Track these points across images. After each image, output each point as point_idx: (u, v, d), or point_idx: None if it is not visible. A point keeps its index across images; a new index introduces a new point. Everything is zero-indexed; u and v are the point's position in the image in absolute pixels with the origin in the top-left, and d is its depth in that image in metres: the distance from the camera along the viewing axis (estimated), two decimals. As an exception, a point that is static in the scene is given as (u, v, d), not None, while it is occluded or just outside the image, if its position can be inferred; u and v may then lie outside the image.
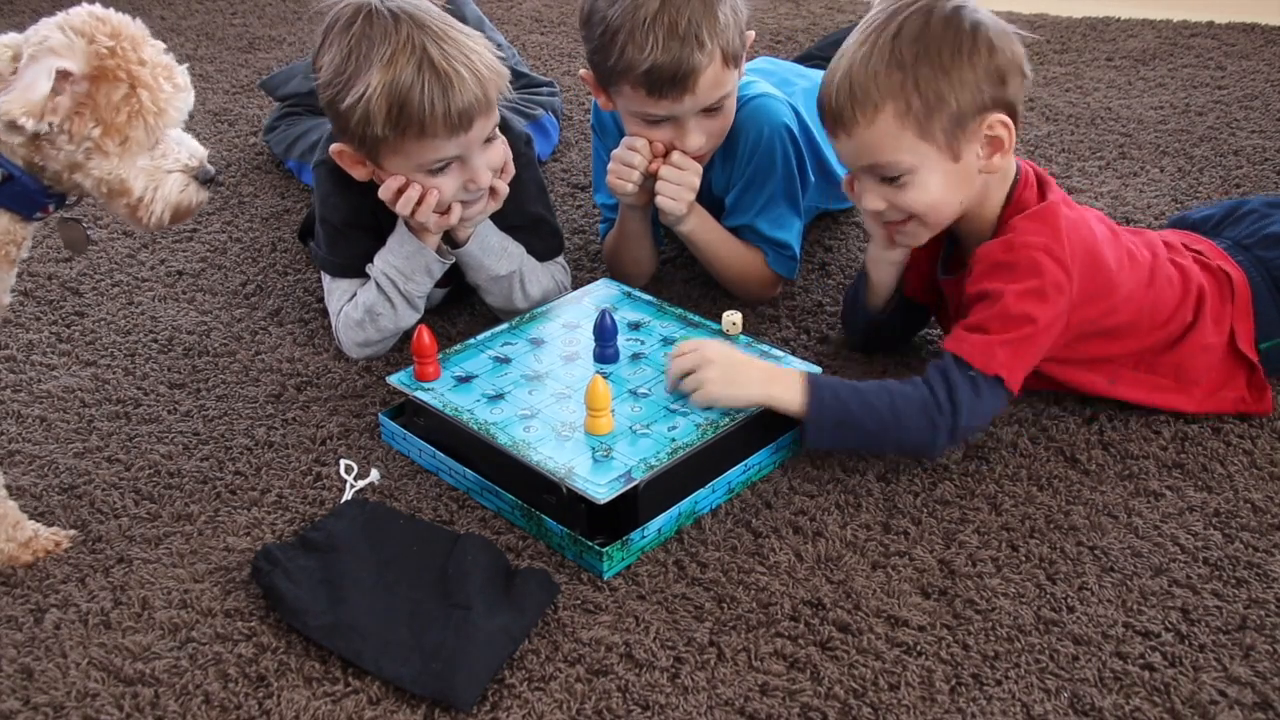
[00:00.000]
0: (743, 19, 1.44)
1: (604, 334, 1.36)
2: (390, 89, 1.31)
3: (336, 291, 1.52)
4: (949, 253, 1.39)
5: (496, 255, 1.51)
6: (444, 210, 1.42)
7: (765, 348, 1.37)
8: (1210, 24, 2.65)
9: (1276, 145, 2.04)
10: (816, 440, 1.26)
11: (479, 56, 1.35)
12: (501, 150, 1.44)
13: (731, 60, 1.42)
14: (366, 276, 1.50)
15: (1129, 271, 1.30)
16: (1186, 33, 2.61)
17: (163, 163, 1.09)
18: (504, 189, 1.46)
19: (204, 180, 1.12)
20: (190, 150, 1.12)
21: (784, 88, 1.65)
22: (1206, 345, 1.34)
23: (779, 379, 1.27)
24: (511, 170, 1.47)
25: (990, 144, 1.24)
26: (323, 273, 1.56)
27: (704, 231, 1.54)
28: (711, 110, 1.46)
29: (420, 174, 1.39)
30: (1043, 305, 1.23)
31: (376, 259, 1.49)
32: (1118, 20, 2.70)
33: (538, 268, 1.56)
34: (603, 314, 1.36)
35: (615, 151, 1.50)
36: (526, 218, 1.55)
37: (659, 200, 1.48)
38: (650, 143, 1.47)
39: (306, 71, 2.01)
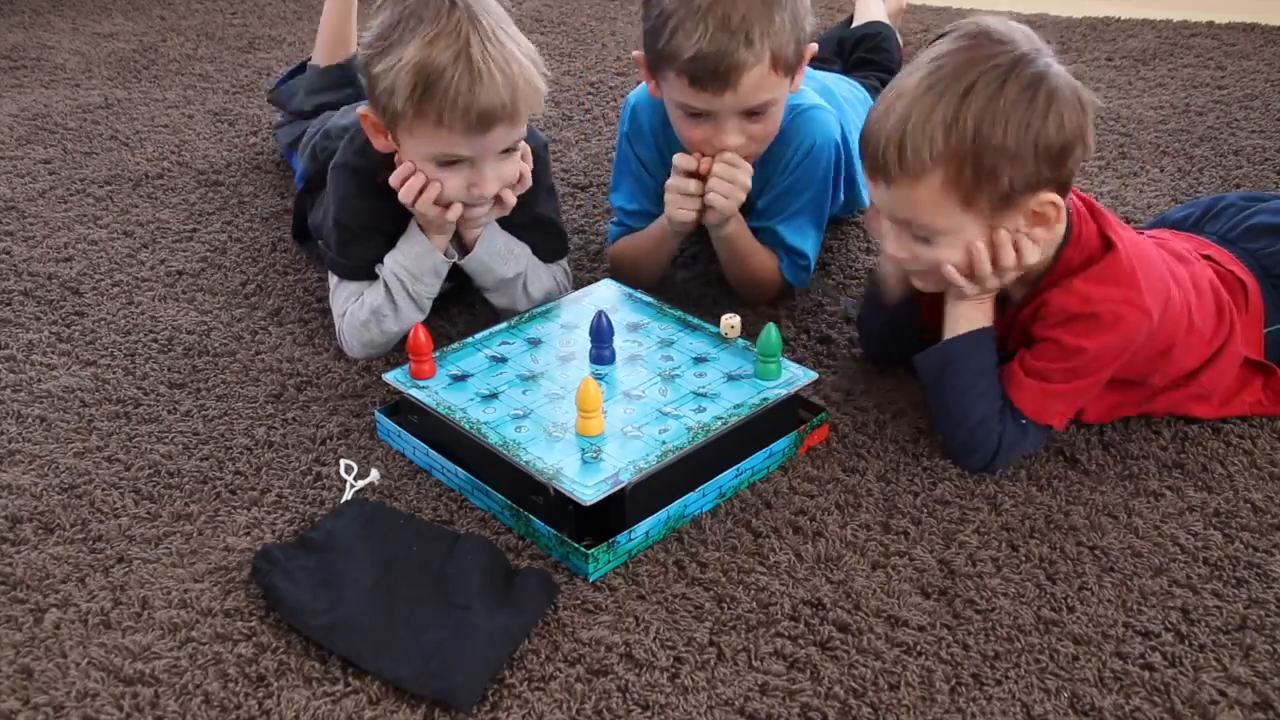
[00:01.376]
0: (805, 29, 1.42)
1: (600, 336, 1.36)
2: (421, 67, 1.30)
3: (343, 293, 1.52)
4: None
5: (503, 259, 1.51)
6: (444, 205, 1.42)
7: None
8: (1210, 24, 2.65)
9: (1276, 145, 2.04)
10: (922, 365, 1.31)
11: (520, 66, 1.34)
12: (517, 166, 1.43)
13: (782, 67, 1.40)
14: (374, 279, 1.50)
15: (1183, 292, 1.28)
16: (1186, 33, 2.61)
17: None
18: (511, 200, 1.45)
19: None
20: None
21: (824, 96, 1.63)
22: (1236, 355, 1.33)
23: (975, 314, 1.27)
24: (528, 183, 1.46)
25: (1035, 218, 1.19)
26: (330, 273, 1.55)
27: (740, 237, 1.53)
28: (754, 114, 1.43)
29: (429, 164, 1.39)
30: (1119, 356, 1.22)
31: (386, 259, 1.48)
32: (1118, 20, 2.70)
33: (540, 268, 1.56)
34: (599, 315, 1.35)
35: (670, 181, 1.48)
36: (533, 217, 1.54)
37: (710, 198, 1.46)
38: (700, 158, 1.46)
39: (308, 88, 2.00)
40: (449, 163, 1.38)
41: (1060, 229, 1.23)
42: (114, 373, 1.50)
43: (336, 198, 1.51)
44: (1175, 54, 2.50)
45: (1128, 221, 1.80)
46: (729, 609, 1.12)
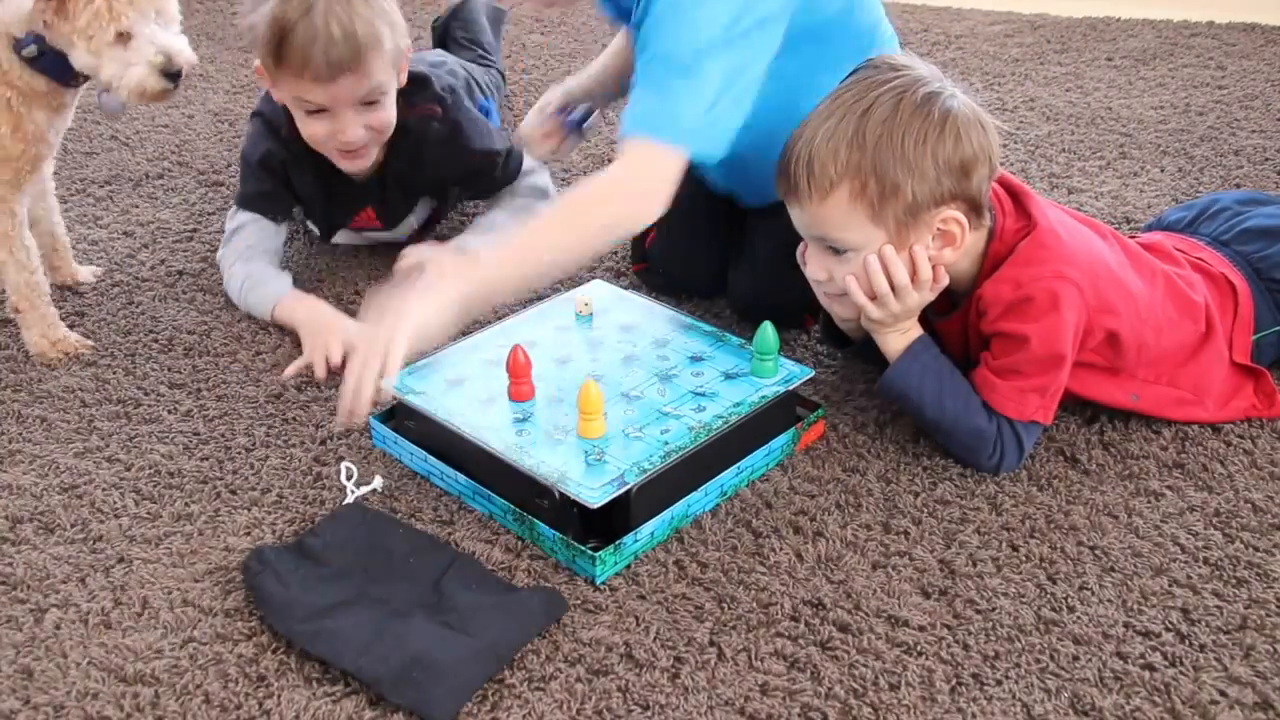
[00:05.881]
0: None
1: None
2: (274, 22, 1.43)
3: (235, 221, 1.66)
4: None
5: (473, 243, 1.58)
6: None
7: (737, 340, 1.36)
8: (1210, 24, 2.64)
9: (1276, 145, 2.04)
10: (883, 394, 1.34)
11: (362, 21, 1.45)
12: (386, 115, 1.54)
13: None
14: (265, 214, 1.65)
15: (1135, 273, 1.30)
16: (1186, 33, 2.61)
17: (132, 56, 1.35)
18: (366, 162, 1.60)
19: (167, 74, 1.37)
20: (161, 47, 1.36)
21: None
22: (1220, 355, 1.34)
23: (902, 338, 1.30)
24: (388, 129, 1.57)
25: (942, 237, 1.24)
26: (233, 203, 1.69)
27: None
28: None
29: (298, 109, 1.53)
30: (1066, 334, 1.23)
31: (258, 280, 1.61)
32: (1118, 20, 2.69)
33: (522, 204, 1.68)
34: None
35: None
36: (467, 166, 1.66)
37: None
38: None
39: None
40: (314, 111, 1.51)
41: (979, 237, 1.26)
42: (114, 373, 1.50)
43: (247, 136, 1.69)
44: (1175, 54, 2.50)
45: (1127, 222, 1.80)
46: (729, 609, 1.12)
